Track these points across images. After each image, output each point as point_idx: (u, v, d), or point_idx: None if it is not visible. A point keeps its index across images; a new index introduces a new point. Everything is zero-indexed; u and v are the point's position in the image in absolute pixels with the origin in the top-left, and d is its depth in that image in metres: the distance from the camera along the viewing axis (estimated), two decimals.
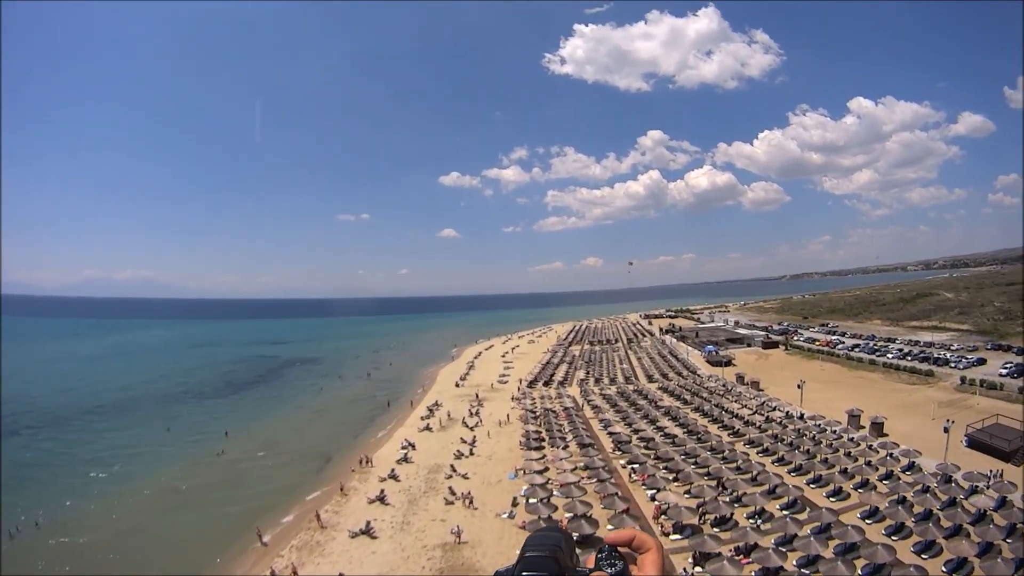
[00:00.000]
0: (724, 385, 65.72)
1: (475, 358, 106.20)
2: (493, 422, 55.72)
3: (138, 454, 51.57)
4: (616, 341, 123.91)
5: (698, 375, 74.93)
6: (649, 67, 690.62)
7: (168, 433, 59.54)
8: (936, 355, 72.24)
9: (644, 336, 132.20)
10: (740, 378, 68.49)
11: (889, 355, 75.79)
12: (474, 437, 50.03)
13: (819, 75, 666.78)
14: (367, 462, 46.35)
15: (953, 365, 66.01)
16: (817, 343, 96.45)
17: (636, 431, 46.15)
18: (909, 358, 72.22)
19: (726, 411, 52.25)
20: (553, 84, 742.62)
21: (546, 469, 39.07)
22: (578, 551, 1.56)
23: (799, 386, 53.87)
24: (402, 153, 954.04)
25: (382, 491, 39.75)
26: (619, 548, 1.56)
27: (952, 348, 77.48)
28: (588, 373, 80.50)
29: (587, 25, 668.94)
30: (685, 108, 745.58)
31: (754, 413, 51.13)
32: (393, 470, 43.55)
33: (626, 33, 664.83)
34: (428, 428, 55.13)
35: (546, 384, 73.67)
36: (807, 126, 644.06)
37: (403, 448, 49.15)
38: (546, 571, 1.40)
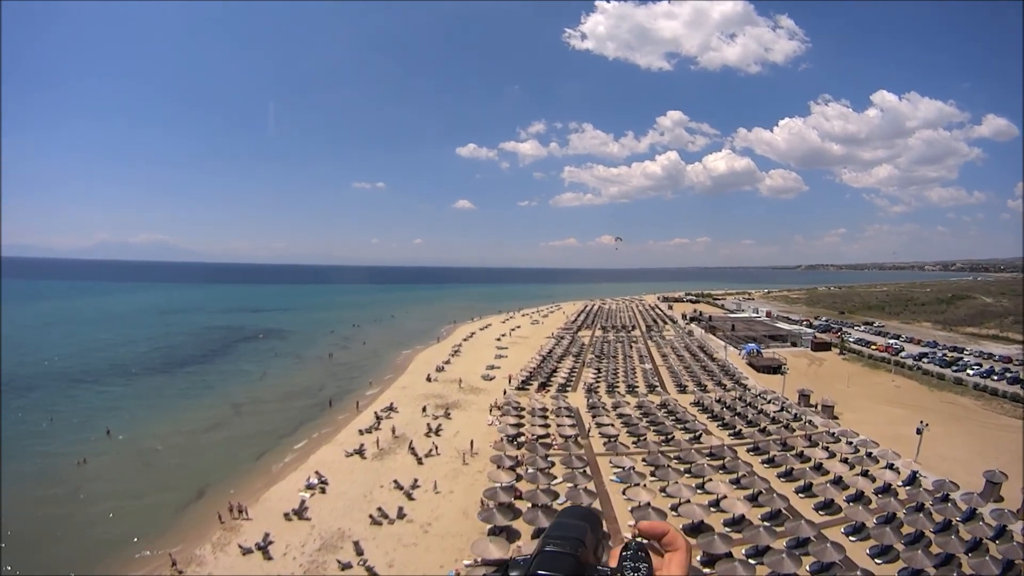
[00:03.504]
0: (786, 408, 47.41)
1: (464, 340, 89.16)
2: (454, 450, 38.34)
3: None
4: (633, 328, 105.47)
5: (745, 386, 56.50)
6: (671, 46, 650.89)
7: (46, 426, 47.31)
8: None
9: (665, 323, 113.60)
10: (804, 397, 50.00)
11: (969, 371, 62.33)
12: (415, 480, 32.72)
13: (843, 65, 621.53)
14: (240, 512, 29.80)
15: None
16: (874, 347, 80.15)
17: (670, 496, 28.24)
18: (995, 377, 59.19)
19: (804, 460, 34.22)
20: (573, 59, 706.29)
21: None
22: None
23: (919, 431, 35.15)
24: (419, 123, 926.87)
25: None
26: (647, 540, 1.43)
27: None
28: (599, 373, 62.46)
29: (609, 1, 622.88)
30: (706, 90, 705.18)
31: (851, 469, 32.73)
32: (268, 536, 26.79)
33: (649, 11, 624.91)
34: (360, 451, 38.13)
35: (543, 387, 55.70)
36: (829, 116, 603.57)
37: (308, 488, 32.49)
38: (563, 571, 1.25)
